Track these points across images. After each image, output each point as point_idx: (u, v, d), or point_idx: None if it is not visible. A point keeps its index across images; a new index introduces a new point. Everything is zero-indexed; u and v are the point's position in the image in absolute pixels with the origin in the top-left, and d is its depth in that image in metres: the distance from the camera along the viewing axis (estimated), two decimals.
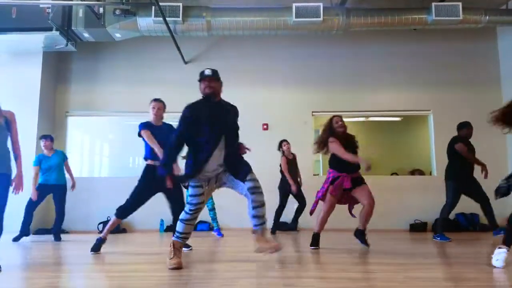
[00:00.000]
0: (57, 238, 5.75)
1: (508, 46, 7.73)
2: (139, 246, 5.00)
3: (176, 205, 4.18)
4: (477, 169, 5.34)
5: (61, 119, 7.93)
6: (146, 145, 4.25)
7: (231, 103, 3.40)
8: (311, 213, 4.54)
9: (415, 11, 6.75)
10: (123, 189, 7.72)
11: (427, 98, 7.81)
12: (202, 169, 3.12)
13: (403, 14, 6.73)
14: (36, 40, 6.83)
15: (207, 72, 3.24)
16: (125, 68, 8.02)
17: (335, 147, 4.28)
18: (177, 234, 3.23)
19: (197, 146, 3.15)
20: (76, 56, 7.90)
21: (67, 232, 6.95)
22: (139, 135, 4.27)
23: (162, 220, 7.19)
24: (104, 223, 7.02)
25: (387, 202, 6.68)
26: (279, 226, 6.56)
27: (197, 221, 3.23)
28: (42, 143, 5.88)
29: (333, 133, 4.37)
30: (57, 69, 7.99)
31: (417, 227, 7.13)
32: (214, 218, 6.17)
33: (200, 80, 3.26)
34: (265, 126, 7.72)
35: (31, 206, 5.65)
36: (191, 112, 3.16)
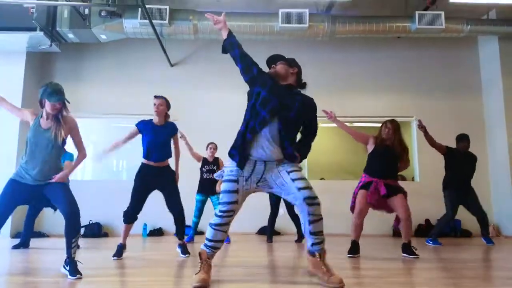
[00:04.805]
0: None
1: (489, 55, 7.93)
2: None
3: (174, 205, 4.14)
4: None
5: None
6: (143, 143, 4.18)
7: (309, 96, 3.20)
8: (351, 209, 4.35)
9: (399, 19, 6.89)
10: (106, 192, 7.72)
11: (410, 104, 7.96)
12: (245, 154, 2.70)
13: (387, 22, 6.86)
14: (20, 40, 6.73)
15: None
16: (110, 70, 7.96)
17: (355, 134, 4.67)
18: (206, 242, 2.74)
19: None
20: (60, 57, 7.81)
21: (47, 236, 6.82)
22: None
23: (145, 224, 7.11)
24: (86, 226, 6.90)
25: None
26: (272, 234, 6.17)
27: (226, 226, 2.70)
28: None
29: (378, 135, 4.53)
30: (40, 70, 7.87)
31: (400, 233, 7.19)
32: None
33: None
34: None
35: None
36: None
